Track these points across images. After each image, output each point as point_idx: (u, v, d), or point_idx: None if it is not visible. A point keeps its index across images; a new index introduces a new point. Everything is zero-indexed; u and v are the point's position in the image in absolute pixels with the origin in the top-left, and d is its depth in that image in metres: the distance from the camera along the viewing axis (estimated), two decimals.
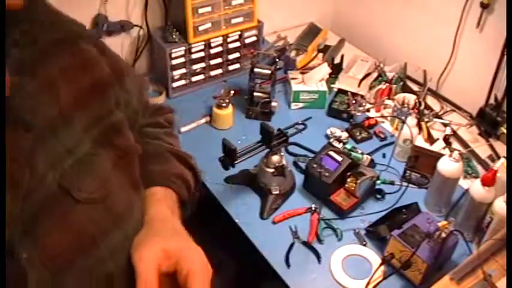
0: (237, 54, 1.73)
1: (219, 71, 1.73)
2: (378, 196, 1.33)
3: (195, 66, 1.66)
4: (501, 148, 1.47)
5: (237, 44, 1.70)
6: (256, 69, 1.55)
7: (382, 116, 1.61)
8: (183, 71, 1.64)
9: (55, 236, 0.56)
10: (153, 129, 0.90)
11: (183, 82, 1.66)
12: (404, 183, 1.35)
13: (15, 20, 0.55)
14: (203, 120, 1.56)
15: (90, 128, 0.61)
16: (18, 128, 0.54)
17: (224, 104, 1.51)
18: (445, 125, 1.54)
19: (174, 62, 1.59)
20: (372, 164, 1.39)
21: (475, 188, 1.16)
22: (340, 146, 1.42)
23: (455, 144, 1.50)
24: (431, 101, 1.68)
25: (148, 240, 0.65)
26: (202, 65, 1.67)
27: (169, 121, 0.97)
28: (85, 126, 0.60)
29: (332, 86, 1.69)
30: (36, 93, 0.56)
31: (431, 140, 1.47)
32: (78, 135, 0.59)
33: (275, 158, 1.27)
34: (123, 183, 0.65)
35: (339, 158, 1.30)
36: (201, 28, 1.58)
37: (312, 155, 1.39)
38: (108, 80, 0.67)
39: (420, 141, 1.42)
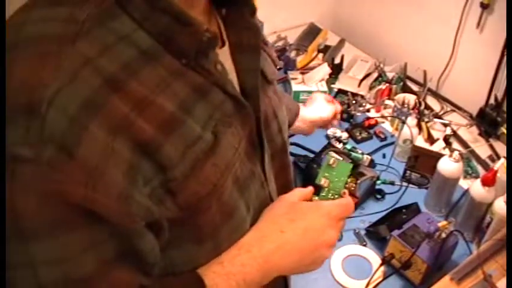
0: None
1: None
2: (378, 196, 1.33)
3: None
4: (501, 148, 1.47)
5: None
6: None
7: (382, 116, 1.61)
8: None
9: (262, 104, 0.66)
10: None
11: None
12: (404, 183, 1.35)
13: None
14: None
15: None
16: None
17: None
18: (445, 125, 1.54)
19: None
20: (372, 164, 1.39)
21: (475, 188, 1.16)
22: (340, 146, 1.42)
23: (455, 144, 1.50)
24: (431, 101, 1.67)
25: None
26: None
27: None
28: None
29: (332, 86, 1.69)
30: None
31: (431, 140, 1.47)
32: None
33: None
34: None
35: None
36: None
37: (312, 155, 1.39)
38: None
39: (420, 141, 1.42)
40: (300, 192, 0.70)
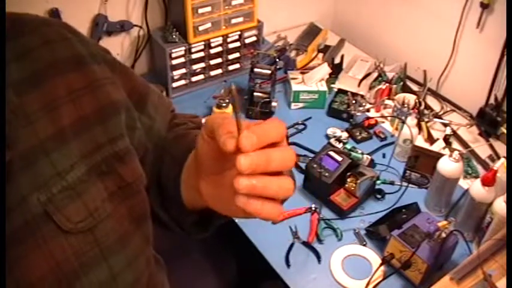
0: (237, 54, 1.73)
1: (219, 71, 1.73)
2: (378, 196, 1.33)
3: (195, 66, 1.66)
4: (501, 148, 1.47)
5: (237, 44, 1.70)
6: (256, 69, 1.55)
7: (382, 116, 1.61)
8: (183, 71, 1.64)
9: (31, 264, 0.51)
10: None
11: (183, 82, 1.66)
12: (404, 183, 1.35)
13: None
14: (203, 120, 1.56)
15: (89, 154, 0.57)
16: None
17: (224, 104, 1.51)
18: (445, 125, 1.54)
19: (174, 62, 1.59)
20: (372, 164, 1.39)
21: (475, 188, 1.16)
22: (340, 146, 1.42)
23: (455, 144, 1.50)
24: (431, 101, 1.68)
25: None
26: (202, 65, 1.67)
27: (197, 123, 0.90)
28: (83, 152, 0.57)
29: (332, 86, 1.69)
30: (33, 110, 0.53)
31: (431, 140, 1.47)
32: (74, 160, 0.55)
33: None
34: (120, 214, 0.60)
35: (339, 158, 1.30)
36: (201, 28, 1.58)
37: (312, 155, 1.39)
38: (119, 103, 0.63)
39: (420, 141, 1.43)
40: None
